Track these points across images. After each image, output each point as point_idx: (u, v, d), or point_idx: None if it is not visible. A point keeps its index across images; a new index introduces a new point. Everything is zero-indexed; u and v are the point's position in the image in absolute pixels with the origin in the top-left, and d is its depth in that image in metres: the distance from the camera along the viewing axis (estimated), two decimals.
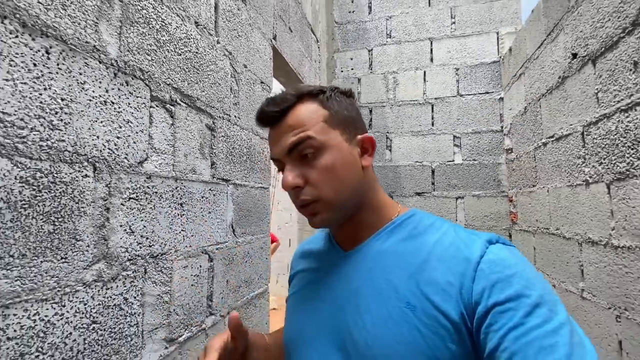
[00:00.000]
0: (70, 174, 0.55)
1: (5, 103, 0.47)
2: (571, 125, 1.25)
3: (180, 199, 0.82)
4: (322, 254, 0.53)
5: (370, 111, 2.24)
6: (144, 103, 0.72)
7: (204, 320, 0.90)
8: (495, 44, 2.08)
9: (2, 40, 0.46)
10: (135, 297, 0.68)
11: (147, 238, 0.71)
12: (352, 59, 2.33)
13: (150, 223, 0.72)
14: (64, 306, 0.54)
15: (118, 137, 0.65)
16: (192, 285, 0.86)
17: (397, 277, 0.42)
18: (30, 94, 0.50)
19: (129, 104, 0.68)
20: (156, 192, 0.74)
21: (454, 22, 2.16)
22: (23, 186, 0.48)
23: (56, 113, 0.53)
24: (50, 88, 0.53)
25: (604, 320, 1.07)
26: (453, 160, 2.09)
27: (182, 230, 0.82)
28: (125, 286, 0.65)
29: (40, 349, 0.50)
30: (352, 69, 2.33)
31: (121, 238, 0.65)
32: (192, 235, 0.86)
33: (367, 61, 2.30)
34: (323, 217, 0.45)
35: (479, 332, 0.36)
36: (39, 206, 0.50)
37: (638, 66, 0.88)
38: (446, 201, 2.07)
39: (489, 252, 0.39)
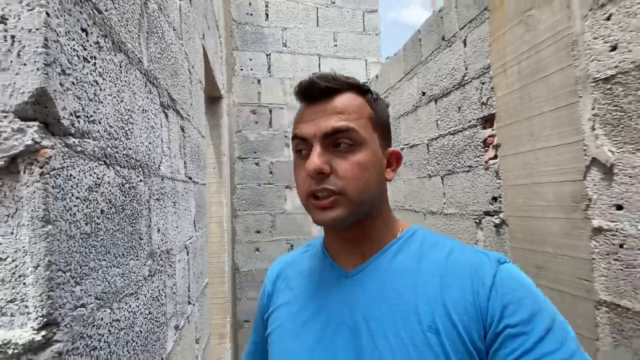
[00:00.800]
0: (135, 178, 0.60)
1: (110, 117, 0.50)
2: (420, 138, 1.92)
3: (174, 197, 0.87)
4: (315, 273, 0.49)
5: (270, 111, 2.47)
6: (157, 108, 0.75)
7: (187, 309, 0.97)
8: (365, 69, 2.70)
9: (105, 58, 0.50)
10: (163, 290, 0.73)
11: (165, 235, 0.77)
12: (251, 59, 2.47)
13: (165, 221, 0.78)
14: (138, 299, 0.59)
15: (149, 142, 0.69)
16: (182, 277, 0.92)
17: (416, 297, 0.40)
18: (116, 106, 0.53)
19: (152, 110, 0.71)
20: (166, 193, 0.79)
21: (336, 45, 2.65)
22: (119, 192, 0.53)
23: (127, 123, 0.57)
24: (123, 100, 0.56)
25: None
26: None
27: (176, 227, 0.88)
28: (159, 280, 0.71)
29: (133, 338, 0.55)
30: (251, 69, 2.47)
31: (156, 236, 0.70)
32: (180, 232, 0.92)
33: (266, 64, 2.50)
34: (339, 213, 0.41)
35: (487, 353, 0.36)
36: (126, 210, 0.55)
37: (461, 110, 1.53)
38: None
39: (500, 272, 0.39)
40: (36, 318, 0.33)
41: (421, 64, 1.85)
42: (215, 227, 2.17)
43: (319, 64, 2.61)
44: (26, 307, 0.33)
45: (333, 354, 0.41)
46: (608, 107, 0.89)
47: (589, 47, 0.93)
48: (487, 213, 1.38)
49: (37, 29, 0.35)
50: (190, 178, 1.09)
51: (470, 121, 1.46)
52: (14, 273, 0.33)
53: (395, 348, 0.38)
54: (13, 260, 0.33)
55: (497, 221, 1.32)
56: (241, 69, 2.45)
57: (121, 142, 0.54)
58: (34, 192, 0.34)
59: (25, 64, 0.34)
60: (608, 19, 0.88)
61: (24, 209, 0.34)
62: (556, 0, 1.03)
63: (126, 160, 0.56)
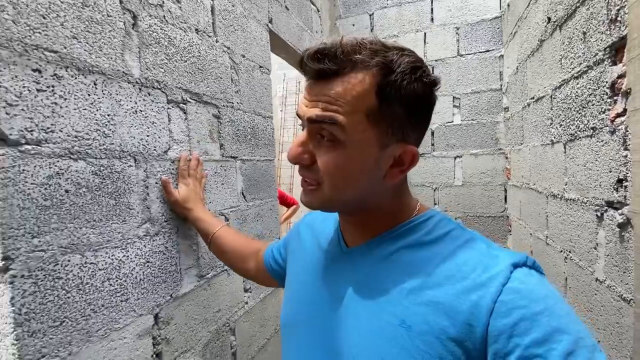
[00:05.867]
0: (120, 165, 0.82)
1: (77, 124, 0.72)
2: (544, 88, 1.34)
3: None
4: (328, 240, 0.50)
5: None
6: (162, 106, 0.95)
7: (218, 263, 1.21)
8: None
9: (68, 83, 0.71)
10: (172, 246, 0.97)
11: None
12: (353, 25, 2.38)
13: None
14: (127, 251, 0.83)
15: (148, 135, 0.90)
16: None
17: (396, 289, 0.38)
18: (89, 116, 0.75)
19: (152, 109, 0.92)
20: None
21: None
22: (94, 176, 0.76)
23: (105, 125, 0.79)
24: (100, 109, 0.77)
25: None
26: (452, 121, 2.19)
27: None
28: (164, 239, 0.95)
29: (117, 276, 0.80)
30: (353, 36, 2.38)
31: (158, 206, 0.93)
32: (210, 202, 1.14)
33: (369, 26, 2.34)
34: (312, 201, 0.42)
35: None
36: (105, 188, 0.78)
37: (586, 37, 0.97)
38: (445, 160, 2.21)
39: (514, 279, 0.33)
40: None
41: None
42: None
43: (432, 8, 2.18)
44: None
45: (321, 318, 0.44)
46: None
47: None
48: (609, 204, 0.87)
49: None
50: (233, 157, 1.28)
51: (596, 53, 0.91)
52: None
53: (365, 330, 0.38)
54: None
55: (621, 219, 0.81)
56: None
57: (95, 141, 0.76)
58: None
59: None
60: None
61: None
62: None
63: (104, 153, 0.78)
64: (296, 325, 0.49)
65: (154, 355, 0.90)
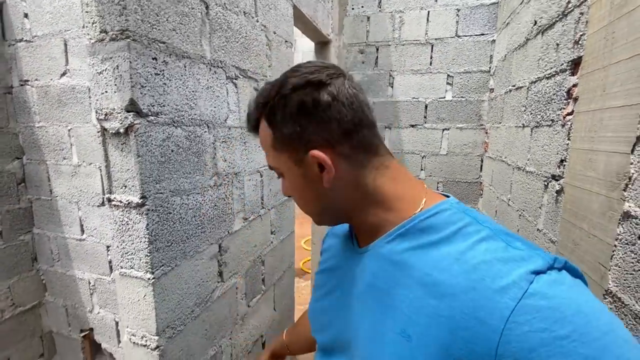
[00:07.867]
0: (200, 131, 1.06)
1: (176, 100, 0.94)
2: (524, 80, 1.63)
3: (244, 139, 1.33)
4: (344, 242, 0.50)
5: (377, 49, 2.52)
6: (223, 82, 1.16)
7: (259, 211, 1.51)
8: None
9: (171, 67, 0.91)
10: (229, 195, 1.25)
11: (231, 163, 1.25)
12: None
13: (232, 155, 1.25)
14: (204, 196, 1.10)
15: (214, 107, 1.12)
16: (253, 190, 1.43)
17: (400, 296, 0.36)
18: (181, 92, 0.97)
19: (217, 85, 1.13)
20: (233, 137, 1.25)
21: None
22: (186, 140, 0.99)
23: (191, 100, 1.01)
24: (187, 87, 0.99)
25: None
26: (444, 97, 2.46)
27: (246, 158, 1.35)
28: (224, 188, 1.22)
29: (199, 215, 1.08)
30: (362, 7, 2.51)
31: (221, 164, 1.18)
32: (252, 162, 1.40)
33: None
34: (315, 221, 0.46)
35: None
36: (192, 149, 1.02)
37: (558, 48, 1.25)
38: (434, 132, 2.52)
39: (533, 292, 0.27)
40: (138, 194, 0.84)
41: None
42: None
43: None
44: (135, 188, 0.85)
45: (336, 321, 0.46)
46: None
47: None
48: (554, 177, 1.22)
49: (125, 71, 0.78)
50: None
51: (562, 64, 1.20)
52: (129, 175, 0.84)
53: (370, 335, 0.38)
54: (129, 169, 0.84)
55: (558, 187, 1.16)
56: (352, 9, 2.53)
57: (186, 112, 0.99)
58: (133, 142, 0.82)
59: (124, 87, 0.79)
60: None
61: (131, 150, 0.83)
62: None
63: (191, 122, 1.01)
64: (320, 327, 0.51)
65: (218, 273, 1.22)
